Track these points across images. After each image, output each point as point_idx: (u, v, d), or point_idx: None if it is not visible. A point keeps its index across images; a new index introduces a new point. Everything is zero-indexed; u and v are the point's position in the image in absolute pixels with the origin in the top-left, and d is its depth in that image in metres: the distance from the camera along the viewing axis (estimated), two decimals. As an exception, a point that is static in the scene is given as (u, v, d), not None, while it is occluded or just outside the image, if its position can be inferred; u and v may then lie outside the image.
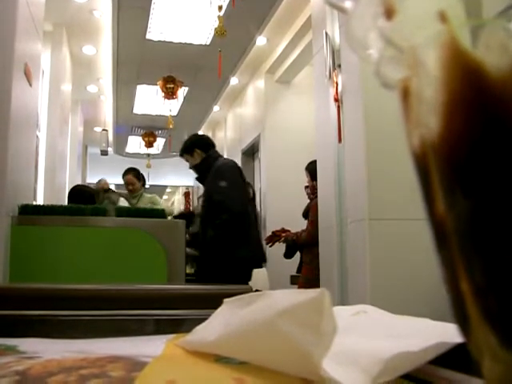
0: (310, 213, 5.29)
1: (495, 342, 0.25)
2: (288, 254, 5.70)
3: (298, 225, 5.80)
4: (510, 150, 0.23)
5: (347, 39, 0.29)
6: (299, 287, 5.11)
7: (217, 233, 4.27)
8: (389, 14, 0.28)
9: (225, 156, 11.46)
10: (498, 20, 0.25)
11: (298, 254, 5.71)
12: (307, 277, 5.18)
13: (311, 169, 5.45)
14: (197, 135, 5.24)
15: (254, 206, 4.85)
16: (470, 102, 0.25)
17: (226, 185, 4.38)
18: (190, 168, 4.92)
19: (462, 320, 0.28)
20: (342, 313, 0.67)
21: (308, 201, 5.67)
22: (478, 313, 0.26)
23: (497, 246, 0.24)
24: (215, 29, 6.42)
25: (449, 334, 0.50)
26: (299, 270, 5.63)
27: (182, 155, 4.91)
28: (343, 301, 3.99)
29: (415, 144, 0.28)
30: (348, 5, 0.30)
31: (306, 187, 5.67)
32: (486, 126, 0.24)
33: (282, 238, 5.48)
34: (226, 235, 4.29)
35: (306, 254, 5.36)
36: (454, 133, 0.25)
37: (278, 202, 8.06)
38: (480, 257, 0.25)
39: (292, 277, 5.98)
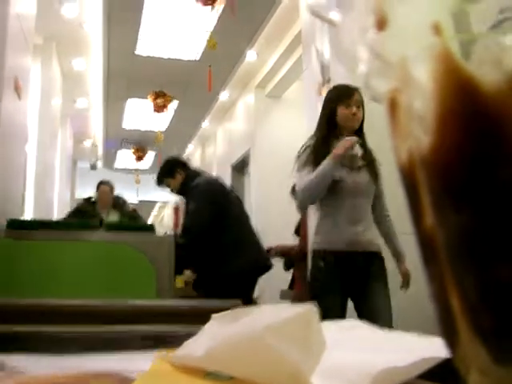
0: (302, 228, 5.30)
1: (486, 358, 0.25)
2: (287, 266, 5.68)
3: (286, 238, 5.80)
4: (502, 165, 0.23)
5: (336, 52, 0.29)
6: (292, 302, 5.09)
7: (178, 254, 4.16)
8: (380, 25, 0.28)
9: (214, 171, 11.50)
10: (492, 34, 0.25)
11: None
12: (300, 292, 5.17)
13: (292, 190, 5.50)
14: (170, 157, 5.14)
15: (246, 217, 4.77)
16: (462, 116, 0.24)
17: (192, 207, 4.43)
18: (173, 191, 4.87)
19: (449, 335, 0.28)
20: (330, 328, 0.67)
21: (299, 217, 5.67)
22: (468, 328, 0.26)
23: (490, 261, 0.24)
24: (207, 41, 6.44)
25: (437, 348, 0.50)
26: (291, 285, 5.61)
27: (161, 183, 4.86)
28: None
29: (403, 158, 0.28)
30: (336, 17, 0.29)
31: None
32: (478, 141, 0.24)
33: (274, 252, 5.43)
34: (188, 255, 4.35)
35: (297, 269, 5.35)
36: (445, 147, 0.25)
37: (269, 217, 8.07)
38: (473, 272, 0.25)
39: (282, 291, 5.96)
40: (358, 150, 3.14)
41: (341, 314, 2.95)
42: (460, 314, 0.26)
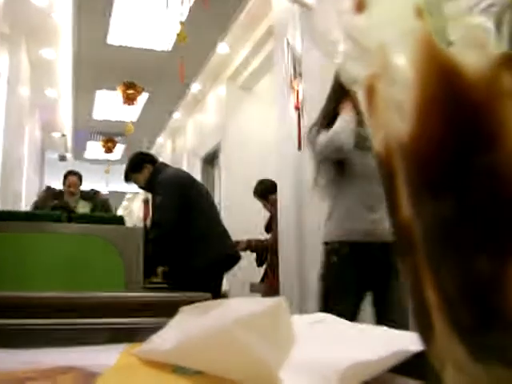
0: (273, 223, 5.31)
1: (463, 354, 0.24)
2: (259, 262, 5.69)
3: (256, 231, 5.80)
4: (483, 152, 0.23)
5: (311, 35, 0.28)
6: (263, 296, 5.10)
7: (153, 249, 4.24)
8: (359, 6, 0.27)
9: (184, 163, 11.46)
10: (476, 18, 0.24)
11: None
12: (272, 285, 5.19)
13: (258, 191, 5.51)
14: (137, 152, 5.10)
15: (214, 209, 4.78)
16: (443, 103, 0.23)
17: (160, 200, 4.40)
18: (141, 187, 4.85)
19: (424, 329, 0.27)
20: (300, 322, 0.66)
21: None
22: (445, 323, 0.25)
23: (469, 253, 0.23)
24: (177, 34, 6.40)
25: (407, 342, 0.49)
26: (263, 278, 5.62)
27: (129, 179, 4.80)
28: (302, 309, 4.00)
29: (380, 146, 0.27)
30: (312, 0, 0.28)
31: (266, 209, 5.67)
32: (460, 128, 0.23)
33: (243, 246, 5.41)
34: (162, 251, 4.35)
35: (270, 262, 5.37)
36: (425, 135, 0.24)
37: (237, 209, 8.06)
38: (451, 264, 0.24)
39: (252, 284, 5.97)
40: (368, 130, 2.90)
41: (355, 314, 2.73)
42: (436, 308, 0.25)
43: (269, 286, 5.27)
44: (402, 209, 0.26)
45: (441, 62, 0.23)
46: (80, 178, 6.77)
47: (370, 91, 0.27)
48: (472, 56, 0.23)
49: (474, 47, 0.23)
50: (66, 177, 6.75)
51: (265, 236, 5.64)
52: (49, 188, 6.97)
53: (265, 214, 5.75)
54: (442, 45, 0.24)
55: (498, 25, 0.23)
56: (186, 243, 4.31)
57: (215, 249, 4.37)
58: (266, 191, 5.47)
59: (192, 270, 4.27)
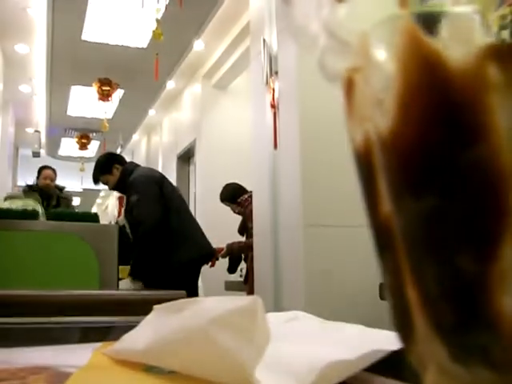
0: (250, 222, 5.29)
1: (445, 355, 0.24)
2: (232, 269, 5.67)
3: (230, 230, 5.79)
4: (467, 147, 0.22)
5: (288, 28, 0.28)
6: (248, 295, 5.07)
7: (139, 248, 4.23)
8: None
9: (160, 160, 11.42)
10: (463, 9, 0.23)
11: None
12: (250, 285, 5.18)
13: (226, 196, 5.52)
14: (105, 153, 5.08)
15: (186, 205, 4.78)
16: (427, 95, 0.23)
17: (137, 198, 4.34)
18: (112, 189, 4.82)
19: (404, 329, 0.27)
20: (274, 320, 0.66)
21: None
22: (425, 322, 0.24)
23: (452, 251, 0.23)
24: (152, 31, 6.37)
25: (384, 341, 0.49)
26: (246, 279, 5.59)
27: (98, 180, 4.70)
28: (277, 307, 4.00)
29: (358, 141, 0.27)
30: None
31: (236, 213, 5.64)
32: (443, 122, 0.23)
33: (222, 253, 5.38)
34: (148, 248, 4.26)
35: (250, 261, 5.36)
36: (407, 129, 0.23)
37: (212, 207, 8.04)
38: (432, 262, 0.23)
39: (226, 282, 5.96)
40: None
41: None
42: (417, 308, 0.24)
43: (252, 285, 5.26)
44: (381, 205, 0.26)
45: (424, 53, 0.23)
46: (55, 172, 6.71)
47: (349, 85, 0.26)
48: (457, 47, 0.22)
49: (459, 38, 0.22)
50: (40, 170, 6.70)
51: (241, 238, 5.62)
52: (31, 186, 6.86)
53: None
54: (425, 35, 0.23)
55: (484, 15, 0.23)
56: (164, 239, 4.28)
57: (190, 246, 4.37)
58: (233, 195, 5.48)
59: (168, 267, 4.25)
